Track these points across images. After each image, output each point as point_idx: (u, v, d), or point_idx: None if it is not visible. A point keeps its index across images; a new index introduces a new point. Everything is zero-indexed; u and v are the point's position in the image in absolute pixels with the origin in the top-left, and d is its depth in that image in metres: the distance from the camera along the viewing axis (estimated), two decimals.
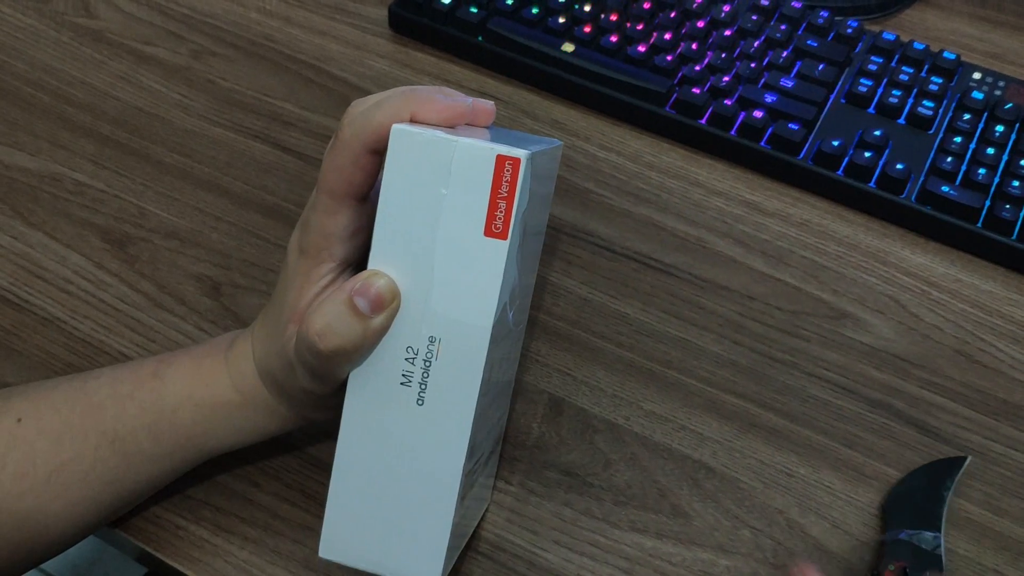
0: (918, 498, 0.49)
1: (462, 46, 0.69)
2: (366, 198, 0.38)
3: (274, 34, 0.71)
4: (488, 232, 0.34)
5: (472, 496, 0.42)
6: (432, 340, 0.36)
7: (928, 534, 0.47)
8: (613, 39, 0.66)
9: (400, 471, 0.37)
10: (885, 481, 0.50)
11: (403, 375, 0.36)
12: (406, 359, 0.36)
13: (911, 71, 0.66)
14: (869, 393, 0.53)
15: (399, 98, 0.36)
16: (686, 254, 0.59)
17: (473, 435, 0.37)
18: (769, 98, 0.64)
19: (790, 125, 0.62)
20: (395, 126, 0.35)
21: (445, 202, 0.34)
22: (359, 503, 0.38)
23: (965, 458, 0.50)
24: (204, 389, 0.43)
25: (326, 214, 0.38)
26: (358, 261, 0.40)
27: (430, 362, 0.36)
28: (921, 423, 0.52)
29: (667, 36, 0.67)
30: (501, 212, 0.34)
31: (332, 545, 0.38)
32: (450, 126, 0.36)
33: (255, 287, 0.56)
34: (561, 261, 0.58)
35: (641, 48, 0.66)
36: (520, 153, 0.34)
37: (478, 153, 0.34)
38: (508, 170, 0.34)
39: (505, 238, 0.34)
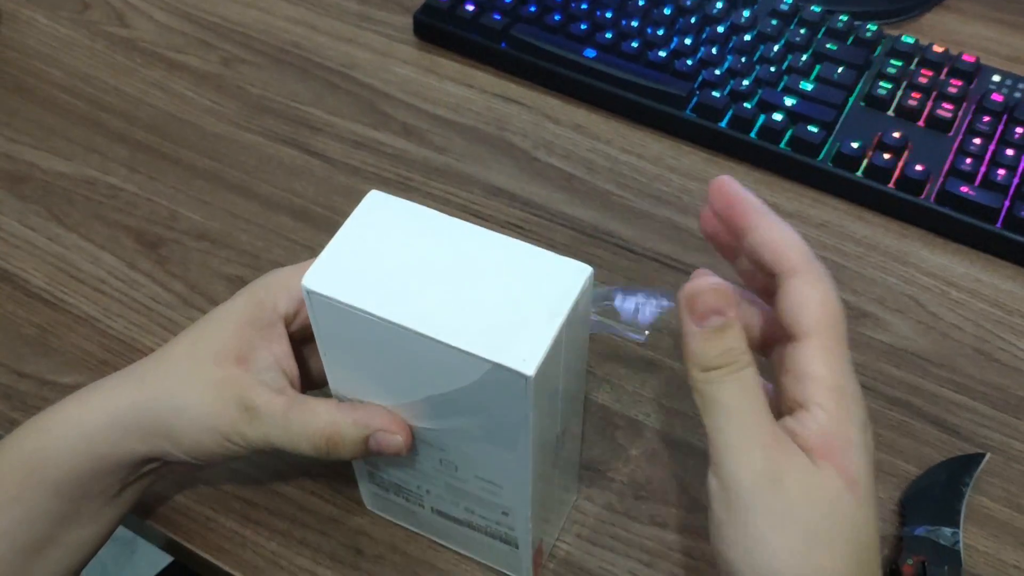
0: (937, 494, 0.49)
1: (486, 52, 0.70)
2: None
3: (301, 42, 0.72)
4: None
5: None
6: None
7: (947, 530, 0.47)
8: (634, 44, 0.67)
9: None
10: (904, 478, 0.50)
11: None
12: None
13: (930, 74, 0.66)
14: (888, 391, 0.54)
15: None
16: (707, 255, 0.60)
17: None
18: (788, 101, 0.64)
19: (809, 128, 0.63)
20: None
21: None
22: None
23: (984, 455, 0.50)
24: (48, 414, 0.42)
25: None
26: None
27: None
28: (940, 420, 0.53)
29: (687, 41, 0.68)
30: None
31: None
32: None
33: None
34: (582, 261, 0.59)
35: (662, 53, 0.66)
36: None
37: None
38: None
39: None
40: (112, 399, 0.41)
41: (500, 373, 0.33)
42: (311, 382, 0.44)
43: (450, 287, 0.35)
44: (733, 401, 0.33)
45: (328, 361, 0.39)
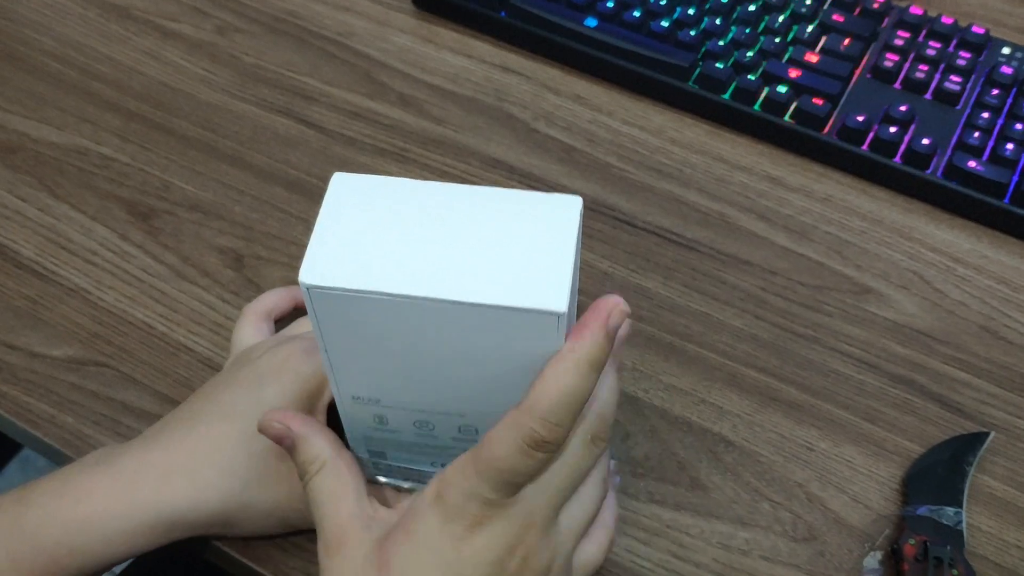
0: (940, 473, 0.48)
1: (484, 21, 0.69)
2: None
3: (297, 10, 0.71)
4: None
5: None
6: None
7: (950, 509, 0.47)
8: (636, 13, 0.66)
9: None
10: (907, 456, 0.50)
11: None
12: None
13: (938, 46, 0.65)
14: (892, 368, 0.53)
15: None
16: (708, 229, 0.59)
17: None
18: (793, 73, 0.63)
19: (814, 100, 0.62)
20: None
21: None
22: None
23: (988, 433, 0.50)
24: (76, 504, 0.41)
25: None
26: None
27: None
28: (944, 399, 0.52)
29: (691, 11, 0.66)
30: None
31: None
32: None
33: (277, 259, 0.56)
34: (582, 235, 0.58)
35: (664, 23, 0.65)
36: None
37: None
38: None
39: None
40: (162, 499, 0.41)
41: (530, 317, 0.32)
42: None
43: (451, 248, 0.34)
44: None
45: (335, 361, 0.37)
